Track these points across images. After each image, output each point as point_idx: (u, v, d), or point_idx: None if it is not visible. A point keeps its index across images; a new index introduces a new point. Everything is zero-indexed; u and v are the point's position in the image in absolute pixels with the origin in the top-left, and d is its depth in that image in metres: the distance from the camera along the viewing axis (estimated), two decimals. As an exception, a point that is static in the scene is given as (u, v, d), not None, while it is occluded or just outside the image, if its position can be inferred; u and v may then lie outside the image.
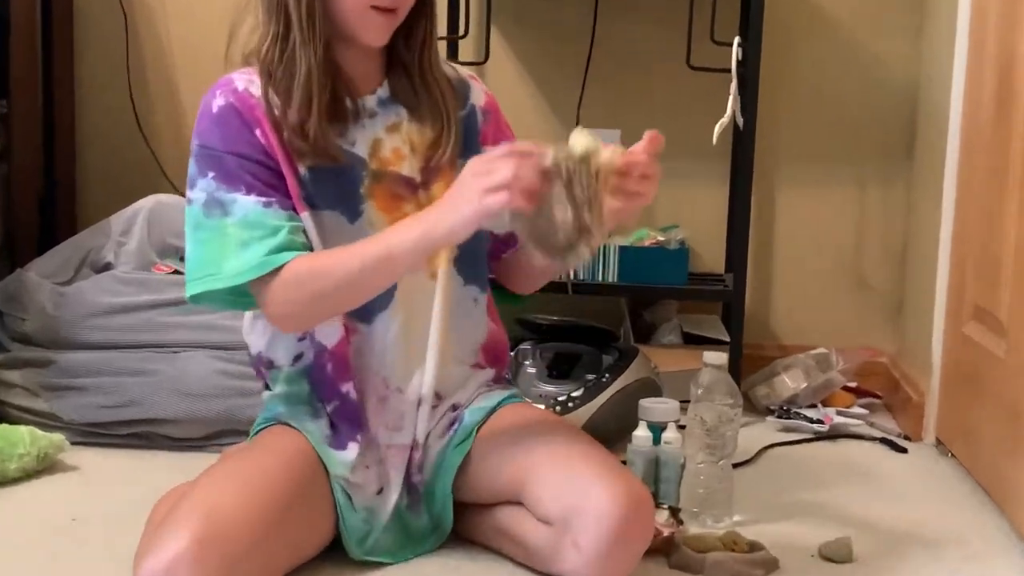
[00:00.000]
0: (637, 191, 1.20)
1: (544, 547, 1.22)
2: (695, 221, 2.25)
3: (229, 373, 1.73)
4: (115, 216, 2.03)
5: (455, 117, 1.36)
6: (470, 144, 1.38)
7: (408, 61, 1.35)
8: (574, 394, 1.75)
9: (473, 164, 1.16)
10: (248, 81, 1.30)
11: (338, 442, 1.32)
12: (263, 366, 1.39)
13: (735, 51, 1.89)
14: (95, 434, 1.73)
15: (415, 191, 1.35)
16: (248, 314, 1.39)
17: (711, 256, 2.26)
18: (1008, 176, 1.53)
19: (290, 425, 1.33)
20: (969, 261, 1.72)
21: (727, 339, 2.05)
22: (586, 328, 1.97)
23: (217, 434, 1.72)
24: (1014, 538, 1.43)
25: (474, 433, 1.34)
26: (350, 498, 1.29)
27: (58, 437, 1.61)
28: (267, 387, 1.40)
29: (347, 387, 1.33)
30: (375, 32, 1.28)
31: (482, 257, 1.42)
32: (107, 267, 1.95)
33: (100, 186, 2.37)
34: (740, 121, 1.92)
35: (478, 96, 1.43)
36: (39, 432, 1.59)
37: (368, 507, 1.31)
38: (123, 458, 1.68)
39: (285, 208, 1.27)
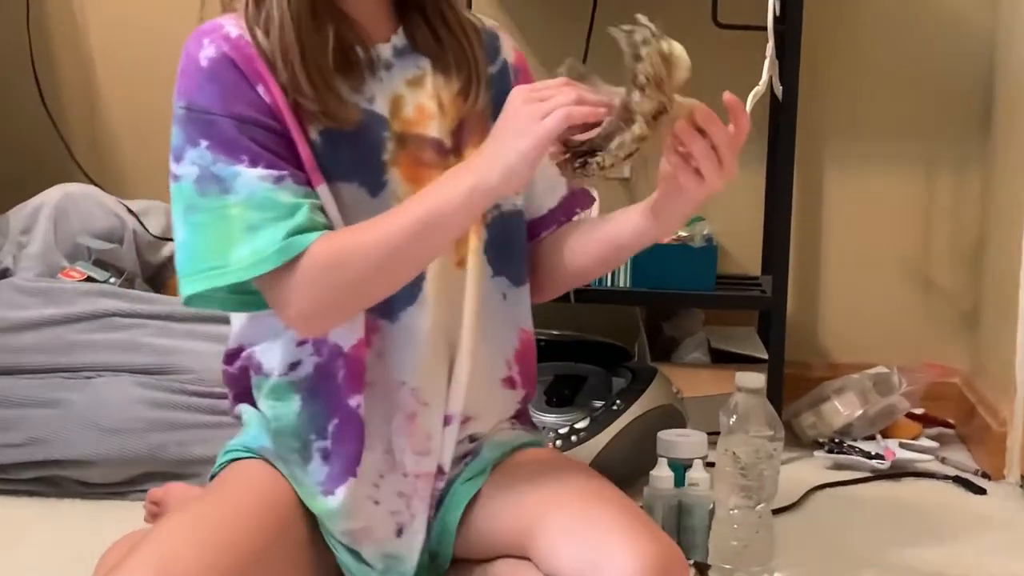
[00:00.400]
0: (699, 165, 1.19)
1: None
2: (725, 213, 2.25)
3: (156, 403, 1.73)
4: (13, 212, 2.03)
5: (484, 65, 1.35)
6: (502, 105, 1.34)
7: (424, 2, 1.34)
8: (578, 425, 1.75)
9: (521, 92, 1.16)
10: (237, 26, 1.27)
11: (331, 482, 1.30)
12: (252, 369, 1.36)
13: (772, 4, 1.90)
14: (-8, 480, 1.73)
15: (445, 156, 1.33)
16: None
17: (745, 255, 2.28)
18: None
19: (268, 461, 1.31)
20: (1059, 259, 1.73)
21: (765, 356, 2.05)
22: (593, 344, 1.98)
23: (141, 477, 1.72)
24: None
25: (488, 470, 1.33)
26: (357, 553, 1.29)
27: (-54, 483, 1.61)
28: (247, 399, 1.37)
29: (356, 400, 1.29)
30: None
31: (517, 241, 1.40)
32: (4, 274, 1.95)
33: (-3, 175, 2.38)
34: (779, 90, 1.93)
35: (508, 50, 1.43)
36: (-77, 477, 1.60)
37: (388, 554, 1.31)
38: (27, 508, 1.68)
39: (299, 182, 1.24)
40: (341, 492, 1.29)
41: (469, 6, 1.96)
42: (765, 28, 1.89)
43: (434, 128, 1.32)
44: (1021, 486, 1.85)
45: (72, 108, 2.37)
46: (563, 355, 1.94)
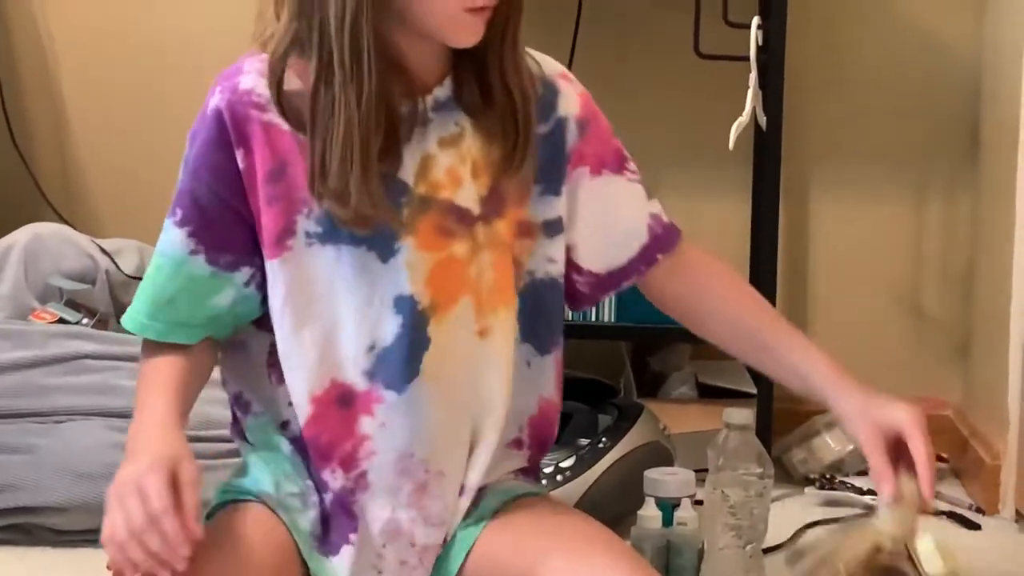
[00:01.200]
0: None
1: None
2: (711, 241, 2.24)
3: (129, 447, 1.72)
4: (-17, 251, 2.03)
5: (534, 131, 1.30)
6: (553, 168, 1.33)
7: (484, 54, 1.28)
8: (563, 464, 1.74)
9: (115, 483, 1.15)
10: (259, 74, 1.25)
11: (328, 545, 1.29)
12: (239, 409, 1.36)
13: (754, 35, 1.91)
14: (-40, 528, 1.72)
15: (471, 225, 1.29)
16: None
17: (731, 286, 2.27)
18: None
19: (270, 507, 1.28)
20: (1051, 287, 1.73)
21: (753, 391, 2.05)
22: (578, 381, 1.97)
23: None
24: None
25: (489, 516, 1.31)
26: None
27: (-87, 534, 1.60)
28: (244, 438, 1.37)
29: (329, 477, 1.29)
30: (468, 34, 1.22)
31: (549, 309, 1.38)
32: (-27, 314, 1.95)
33: (-36, 215, 2.37)
34: (762, 120, 1.94)
35: (570, 102, 1.36)
36: None
37: None
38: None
39: (212, 264, 1.25)
40: (342, 557, 1.29)
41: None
42: (748, 58, 1.90)
43: (462, 195, 1.28)
44: (1016, 521, 1.85)
45: (43, 146, 2.37)
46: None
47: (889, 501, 1.25)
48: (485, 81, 1.28)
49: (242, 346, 1.33)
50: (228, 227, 1.26)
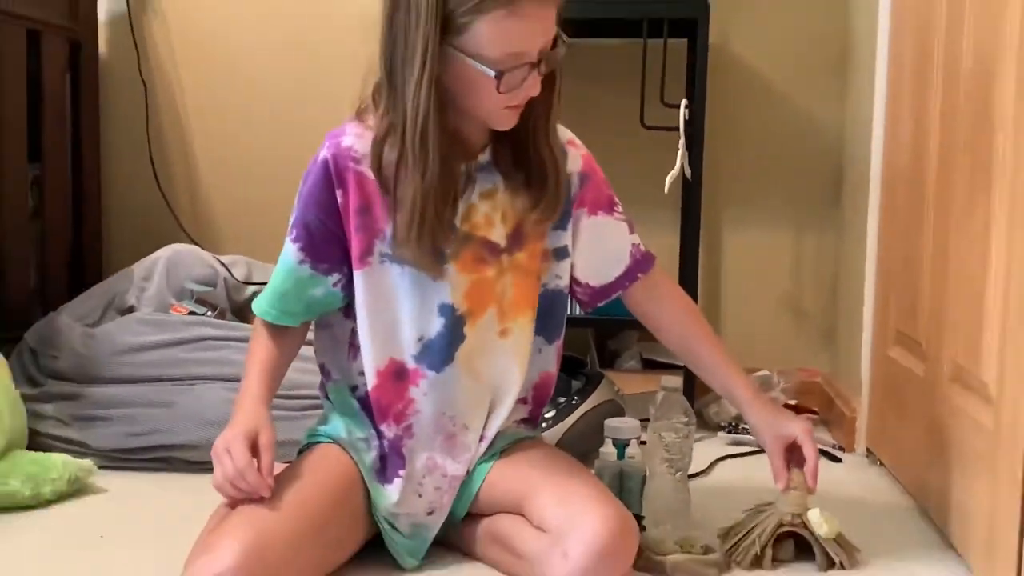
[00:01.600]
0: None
1: (535, 553, 1.20)
2: (651, 261, 2.26)
3: (241, 402, 1.72)
4: (137, 264, 2.03)
5: (563, 190, 1.29)
6: (563, 211, 1.32)
7: (522, 132, 1.26)
8: (548, 415, 1.74)
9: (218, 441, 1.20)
10: (357, 136, 1.25)
11: (384, 477, 1.30)
12: (324, 376, 1.37)
13: (682, 112, 1.91)
14: (121, 459, 1.72)
15: (499, 255, 1.29)
16: (313, 325, 1.37)
17: (666, 291, 2.27)
18: (923, 219, 1.55)
19: (343, 447, 1.29)
20: (892, 292, 1.74)
21: (681, 364, 2.05)
22: (557, 357, 1.97)
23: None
24: (934, 533, 1.44)
25: (498, 454, 1.32)
26: (393, 525, 1.28)
27: (87, 463, 1.60)
28: (327, 398, 1.38)
29: (386, 428, 1.29)
30: (506, 123, 1.22)
31: (557, 311, 1.38)
32: (130, 310, 1.95)
33: (124, 237, 2.37)
34: (688, 173, 1.94)
35: (575, 162, 1.35)
36: (70, 458, 1.58)
37: (416, 524, 1.29)
38: (146, 480, 1.66)
39: (324, 273, 1.28)
40: (395, 485, 1.29)
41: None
42: (678, 129, 1.90)
43: (494, 234, 1.28)
44: (866, 456, 1.86)
45: (178, 188, 2.37)
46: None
47: (785, 490, 1.31)
48: (520, 151, 1.28)
49: (330, 328, 1.35)
50: (327, 245, 1.28)
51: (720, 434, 1.99)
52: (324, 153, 1.25)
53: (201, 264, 2.03)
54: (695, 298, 2.02)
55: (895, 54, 1.77)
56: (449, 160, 1.21)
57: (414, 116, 1.16)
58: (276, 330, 1.32)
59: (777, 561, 1.32)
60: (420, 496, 1.29)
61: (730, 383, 1.38)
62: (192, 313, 1.91)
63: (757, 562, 1.31)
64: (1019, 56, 1.17)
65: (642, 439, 1.50)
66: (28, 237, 2.05)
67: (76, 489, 1.57)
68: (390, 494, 1.28)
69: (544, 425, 1.72)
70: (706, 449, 1.87)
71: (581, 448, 1.65)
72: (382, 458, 1.30)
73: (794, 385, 2.07)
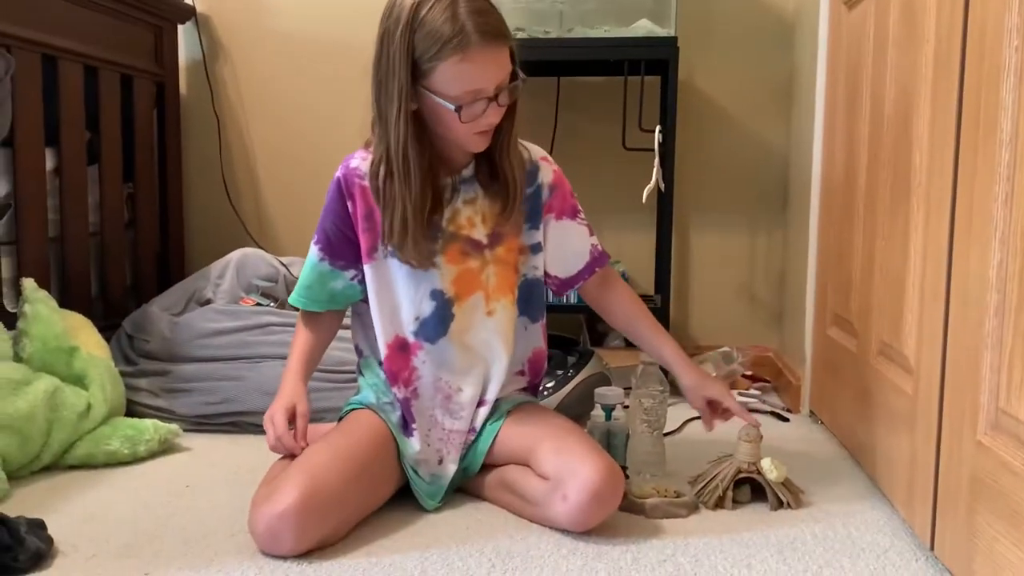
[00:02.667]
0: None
1: (539, 497, 1.21)
2: (632, 257, 2.26)
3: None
4: (213, 264, 2.04)
5: (520, 197, 1.31)
6: (534, 214, 1.34)
7: (493, 151, 1.29)
8: (547, 385, 1.74)
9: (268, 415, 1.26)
10: (362, 159, 1.28)
11: (407, 431, 1.31)
12: (358, 354, 1.39)
13: (657, 136, 1.91)
14: (201, 424, 1.72)
15: (481, 250, 1.31)
16: (350, 313, 1.39)
17: (644, 282, 2.27)
18: (854, 221, 1.55)
19: (374, 411, 1.31)
20: (829, 282, 1.73)
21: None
22: (556, 337, 1.97)
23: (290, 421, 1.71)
24: (865, 479, 1.44)
25: (504, 416, 1.33)
26: (416, 472, 1.29)
27: (174, 427, 1.61)
28: (360, 372, 1.39)
29: (397, 390, 1.31)
30: (477, 146, 1.25)
31: (536, 295, 1.38)
32: (208, 302, 1.96)
33: (201, 242, 2.37)
34: (662, 186, 1.93)
35: (546, 174, 1.36)
36: (160, 423, 1.59)
37: (433, 474, 1.30)
38: (222, 441, 1.67)
39: (333, 265, 1.30)
40: (415, 437, 1.30)
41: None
42: (653, 149, 1.90)
43: (476, 233, 1.31)
44: (809, 416, 1.86)
45: (246, 201, 2.38)
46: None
47: (740, 439, 1.33)
48: (493, 166, 1.30)
49: (360, 316, 1.37)
50: (343, 245, 1.30)
51: (689, 399, 1.99)
52: (338, 173, 1.30)
53: (265, 264, 2.04)
54: (668, 287, 2.02)
55: (831, 87, 1.76)
56: (430, 177, 1.25)
57: (396, 144, 1.20)
58: (311, 318, 1.36)
59: (736, 503, 1.32)
60: (429, 446, 1.31)
61: (665, 351, 1.39)
62: (258, 304, 1.92)
63: (720, 503, 1.31)
64: (933, 88, 1.17)
65: (625, 404, 1.50)
66: (124, 243, 2.06)
67: (165, 448, 1.58)
68: (413, 444, 1.29)
69: (545, 393, 1.72)
70: (678, 412, 1.86)
71: (576, 411, 1.65)
72: (403, 416, 1.31)
73: (750, 359, 2.07)
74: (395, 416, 1.31)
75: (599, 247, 1.41)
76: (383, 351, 1.30)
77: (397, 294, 1.30)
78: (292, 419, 1.25)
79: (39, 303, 1.55)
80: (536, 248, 1.36)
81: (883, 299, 1.37)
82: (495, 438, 1.31)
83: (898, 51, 1.33)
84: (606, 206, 2.23)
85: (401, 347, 1.31)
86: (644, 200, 1.88)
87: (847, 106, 1.63)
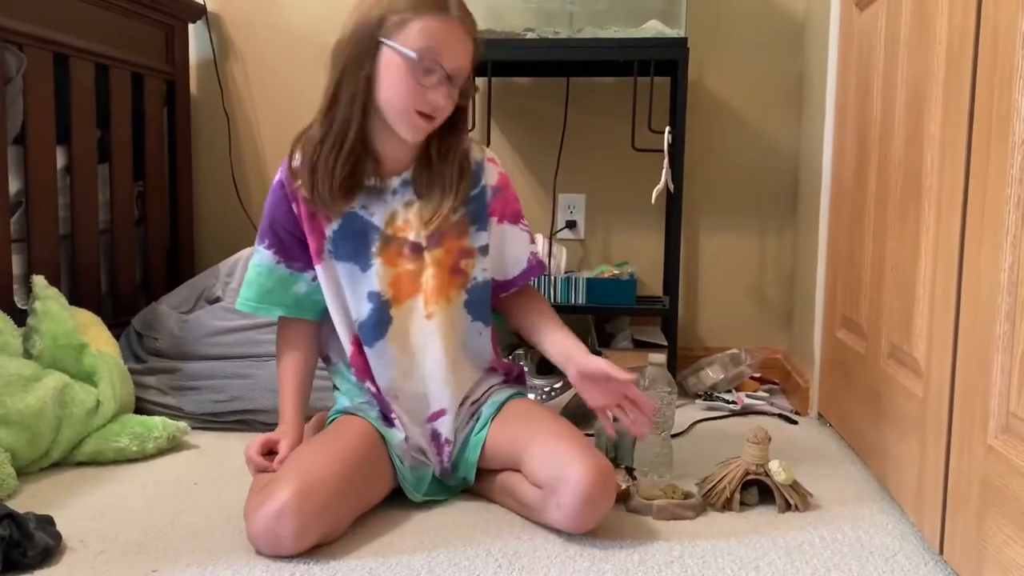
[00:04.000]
0: (625, 417, 1.27)
1: (535, 504, 1.21)
2: (641, 258, 2.26)
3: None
4: (222, 263, 2.04)
5: (461, 196, 1.30)
6: (480, 215, 1.33)
7: (433, 155, 1.29)
8: (556, 386, 1.75)
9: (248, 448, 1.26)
10: (300, 160, 1.29)
11: (388, 421, 1.31)
12: (326, 363, 1.38)
13: (666, 136, 1.90)
14: (210, 421, 1.73)
15: (420, 252, 1.29)
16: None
17: (653, 283, 2.27)
18: (864, 223, 1.54)
19: (353, 414, 1.31)
20: (839, 283, 1.73)
21: (666, 343, 2.05)
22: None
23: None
24: (874, 482, 1.44)
25: (488, 423, 1.31)
26: (402, 461, 1.29)
27: (183, 424, 1.62)
28: (335, 387, 1.39)
29: (368, 384, 1.31)
30: (413, 131, 1.23)
31: (485, 299, 1.36)
32: (217, 300, 1.96)
33: (211, 240, 2.38)
34: (671, 186, 1.93)
35: (491, 176, 1.35)
36: (169, 420, 1.60)
37: (414, 466, 1.30)
38: (230, 438, 1.67)
39: (290, 268, 1.30)
40: (397, 427, 1.30)
41: (473, 125, 1.89)
42: (663, 150, 1.90)
43: (412, 235, 1.29)
44: (818, 419, 1.85)
45: (255, 199, 2.38)
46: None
47: (748, 441, 1.32)
48: (431, 171, 1.29)
49: (328, 324, 1.35)
50: (295, 247, 1.30)
51: (697, 401, 1.99)
52: (279, 176, 1.30)
53: (274, 262, 2.04)
54: (677, 288, 2.01)
55: (841, 87, 1.76)
56: (358, 172, 1.27)
57: (348, 106, 1.21)
58: (289, 339, 1.35)
59: (744, 504, 1.32)
60: (409, 437, 1.30)
61: (557, 344, 1.31)
62: (267, 302, 1.92)
63: (728, 505, 1.30)
64: (945, 90, 1.17)
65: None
66: (134, 240, 2.07)
67: (174, 445, 1.59)
68: (396, 434, 1.29)
69: (552, 394, 1.72)
70: (686, 413, 1.87)
71: (583, 412, 1.65)
72: (381, 409, 1.32)
73: (758, 360, 2.07)
74: (374, 412, 1.31)
75: (538, 255, 1.39)
76: (348, 349, 1.31)
77: (343, 295, 1.30)
78: (274, 446, 1.27)
79: (49, 300, 1.56)
80: (485, 250, 1.33)
81: (893, 301, 1.36)
82: (482, 450, 1.31)
83: (909, 52, 1.33)
84: (615, 207, 2.22)
85: (358, 345, 1.31)
86: (653, 201, 1.88)
87: (858, 107, 1.62)
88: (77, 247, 1.85)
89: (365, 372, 1.31)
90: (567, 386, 1.73)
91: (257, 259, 1.30)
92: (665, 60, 1.94)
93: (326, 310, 1.33)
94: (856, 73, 1.64)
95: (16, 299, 1.66)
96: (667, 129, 1.91)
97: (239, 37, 2.34)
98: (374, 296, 1.28)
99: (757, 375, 2.09)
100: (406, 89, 1.20)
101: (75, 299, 1.79)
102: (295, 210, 1.28)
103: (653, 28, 1.95)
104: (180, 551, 1.15)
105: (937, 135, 1.18)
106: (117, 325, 1.85)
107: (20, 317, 1.58)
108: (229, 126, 2.35)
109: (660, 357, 1.48)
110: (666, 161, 1.89)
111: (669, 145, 1.90)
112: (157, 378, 1.77)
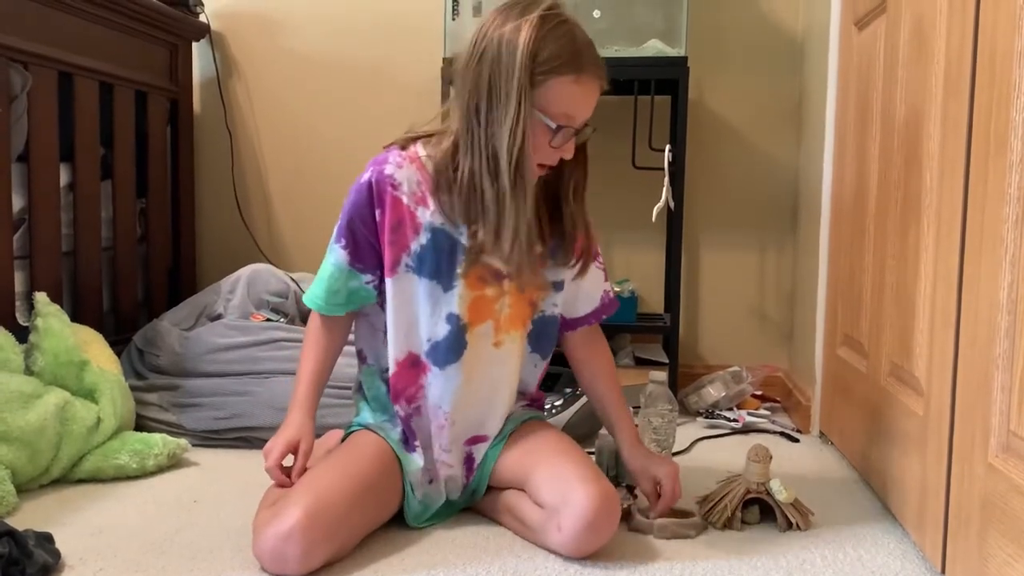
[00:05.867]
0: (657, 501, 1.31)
1: (536, 525, 1.20)
2: (641, 276, 2.26)
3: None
4: (224, 280, 2.04)
5: (573, 244, 1.28)
6: (561, 252, 1.30)
7: (554, 194, 1.27)
8: (556, 403, 1.75)
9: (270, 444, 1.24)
10: (397, 167, 1.24)
11: (409, 446, 1.30)
12: (360, 360, 1.36)
13: (667, 155, 1.91)
14: (210, 438, 1.73)
15: (500, 280, 1.27)
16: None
17: (654, 301, 2.27)
18: (864, 242, 1.55)
19: (373, 431, 1.30)
20: (839, 301, 1.73)
21: (667, 361, 2.05)
22: (563, 355, 1.96)
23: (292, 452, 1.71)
24: (875, 501, 1.43)
25: (506, 439, 1.31)
26: (414, 490, 1.28)
27: (183, 441, 1.61)
28: (359, 386, 1.37)
29: (399, 407, 1.29)
30: (531, 177, 1.19)
31: (550, 333, 1.35)
32: (218, 317, 1.96)
33: (213, 258, 2.39)
34: (672, 204, 1.94)
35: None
36: (169, 437, 1.59)
37: (426, 493, 1.29)
38: (231, 456, 1.67)
39: (361, 271, 1.27)
40: (417, 453, 1.29)
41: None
42: (663, 168, 1.91)
43: (497, 261, 1.26)
44: (820, 437, 1.85)
45: (257, 217, 2.39)
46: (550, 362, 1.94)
47: (750, 460, 1.31)
48: (553, 208, 1.27)
49: (367, 318, 1.33)
50: (367, 250, 1.27)
51: (698, 419, 1.98)
52: (368, 177, 1.25)
53: (275, 280, 2.04)
54: (677, 306, 2.02)
55: (841, 107, 1.76)
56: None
57: (512, 147, 1.14)
58: (328, 321, 1.31)
59: (745, 523, 1.31)
60: (427, 465, 1.29)
61: (621, 427, 1.34)
62: (268, 320, 1.92)
63: (729, 523, 1.30)
64: (943, 109, 1.17)
65: (635, 423, 1.49)
66: (136, 257, 2.07)
67: (174, 463, 1.59)
68: (416, 460, 1.28)
69: (553, 411, 1.72)
70: (687, 431, 1.87)
71: (584, 429, 1.65)
72: (404, 432, 1.30)
73: (759, 378, 2.07)
74: (395, 433, 1.30)
75: (611, 294, 1.38)
76: (392, 367, 1.28)
77: (416, 311, 1.27)
78: (294, 450, 1.24)
79: (51, 317, 1.56)
80: (560, 286, 1.33)
81: (893, 319, 1.36)
82: (496, 465, 1.30)
83: (908, 71, 1.34)
84: (616, 224, 2.23)
85: (413, 364, 1.28)
86: (654, 219, 1.88)
87: (857, 126, 1.63)
88: (79, 264, 1.85)
89: (401, 394, 1.28)
90: (568, 403, 1.73)
91: (333, 259, 1.27)
92: (665, 79, 1.95)
93: (365, 304, 1.31)
94: (855, 92, 1.65)
95: (18, 316, 1.67)
96: (667, 147, 1.92)
97: (242, 56, 2.36)
98: (453, 318, 1.26)
99: (758, 393, 2.09)
100: (539, 148, 1.18)
101: (77, 316, 1.80)
102: (377, 216, 1.24)
103: (654, 47, 1.96)
104: (179, 569, 1.14)
105: (936, 154, 1.19)
106: (119, 342, 1.86)
107: (22, 334, 1.58)
108: (232, 144, 2.37)
109: (661, 375, 1.48)
110: (666, 179, 1.90)
111: (670, 163, 1.91)
112: (158, 395, 1.77)
